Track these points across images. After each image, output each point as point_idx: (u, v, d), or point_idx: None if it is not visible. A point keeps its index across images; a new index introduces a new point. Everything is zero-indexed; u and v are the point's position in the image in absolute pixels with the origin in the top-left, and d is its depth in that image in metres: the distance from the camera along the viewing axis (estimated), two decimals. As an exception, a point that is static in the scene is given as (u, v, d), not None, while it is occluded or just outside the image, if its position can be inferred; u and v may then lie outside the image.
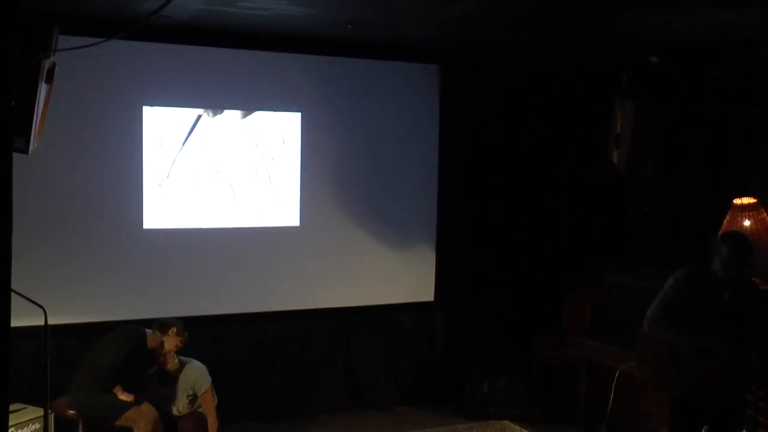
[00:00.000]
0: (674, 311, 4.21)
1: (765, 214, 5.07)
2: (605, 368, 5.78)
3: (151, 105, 5.75)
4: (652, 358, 4.34)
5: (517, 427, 6.14)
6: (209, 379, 5.19)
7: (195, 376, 5.14)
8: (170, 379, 5.12)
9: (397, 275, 6.63)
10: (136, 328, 5.10)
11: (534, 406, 6.32)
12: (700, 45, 5.58)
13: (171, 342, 5.05)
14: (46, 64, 4.06)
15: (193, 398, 5.15)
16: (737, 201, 5.12)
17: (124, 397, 4.89)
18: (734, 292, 4.07)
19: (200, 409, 5.17)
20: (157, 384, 5.13)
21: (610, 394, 5.26)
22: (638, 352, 4.50)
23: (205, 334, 5.95)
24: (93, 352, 5.07)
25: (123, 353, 4.91)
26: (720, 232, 5.10)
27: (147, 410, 4.88)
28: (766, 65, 5.32)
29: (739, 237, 4.20)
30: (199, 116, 5.87)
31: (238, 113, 6.01)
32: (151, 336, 5.03)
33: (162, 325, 5.08)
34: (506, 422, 6.24)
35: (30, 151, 4.08)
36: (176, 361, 5.16)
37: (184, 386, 5.12)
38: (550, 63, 6.63)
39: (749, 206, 5.08)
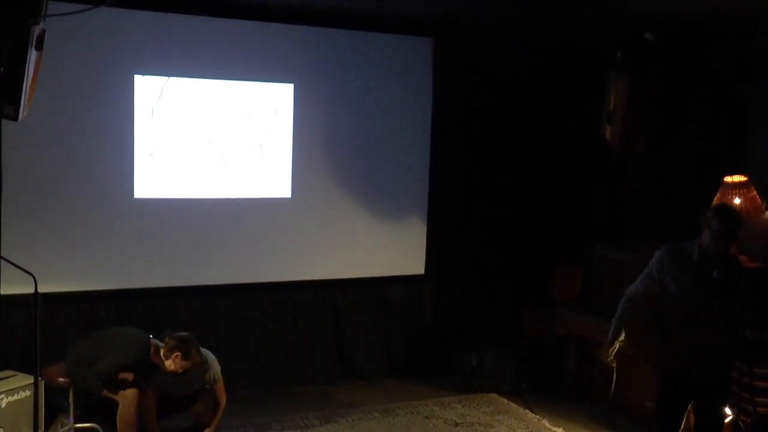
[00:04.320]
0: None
1: (755, 192, 5.07)
2: (593, 342, 5.83)
3: (143, 74, 5.71)
4: (641, 330, 4.35)
5: (505, 400, 6.20)
6: (219, 368, 5.12)
7: (208, 372, 5.05)
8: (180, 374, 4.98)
9: (388, 248, 6.64)
10: (145, 342, 4.90)
11: (522, 379, 6.36)
12: (694, 22, 5.56)
13: (173, 365, 4.80)
14: (36, 30, 4.02)
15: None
16: (728, 179, 5.12)
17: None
18: (723, 270, 4.08)
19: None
20: (170, 375, 5.05)
21: (602, 371, 5.27)
22: (627, 325, 4.52)
23: (195, 304, 5.98)
24: (99, 336, 4.95)
25: (121, 363, 4.82)
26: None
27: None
28: (760, 42, 5.31)
29: (730, 211, 4.15)
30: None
31: (230, 83, 5.97)
32: (154, 354, 4.86)
33: (169, 347, 4.81)
34: (494, 395, 6.30)
35: (20, 119, 4.06)
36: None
37: (196, 380, 5.03)
38: (545, 37, 6.60)
39: (740, 184, 5.07)
